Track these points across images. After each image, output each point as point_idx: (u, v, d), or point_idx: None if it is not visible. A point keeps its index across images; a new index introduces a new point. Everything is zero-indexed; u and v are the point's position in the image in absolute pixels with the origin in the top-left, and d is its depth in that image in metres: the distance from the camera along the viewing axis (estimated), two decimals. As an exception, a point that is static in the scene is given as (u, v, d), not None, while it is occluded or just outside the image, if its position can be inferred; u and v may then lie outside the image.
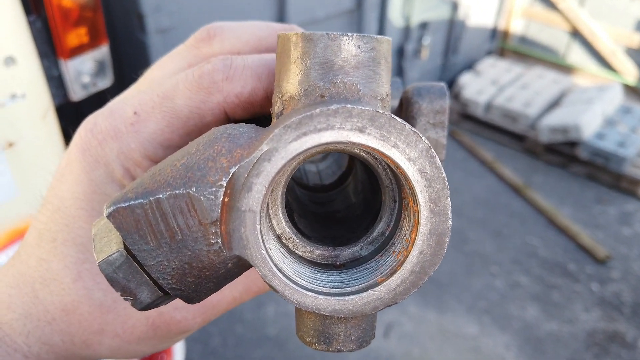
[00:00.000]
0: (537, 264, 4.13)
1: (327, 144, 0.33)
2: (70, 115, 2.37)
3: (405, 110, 0.47)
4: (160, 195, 0.34)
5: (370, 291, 0.36)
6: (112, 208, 0.35)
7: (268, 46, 0.51)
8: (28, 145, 1.51)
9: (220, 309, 0.52)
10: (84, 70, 1.78)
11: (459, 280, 3.96)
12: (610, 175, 5.06)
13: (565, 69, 6.90)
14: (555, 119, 5.35)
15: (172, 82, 0.45)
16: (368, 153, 0.38)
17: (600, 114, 5.35)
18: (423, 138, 0.33)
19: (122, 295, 0.37)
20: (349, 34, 0.36)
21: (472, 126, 6.04)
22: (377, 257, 0.39)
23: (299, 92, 0.36)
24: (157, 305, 0.38)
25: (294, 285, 0.36)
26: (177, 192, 0.34)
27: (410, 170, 0.33)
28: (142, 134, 0.44)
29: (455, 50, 6.54)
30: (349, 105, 0.32)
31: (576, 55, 6.87)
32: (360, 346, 0.40)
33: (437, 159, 0.34)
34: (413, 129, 0.33)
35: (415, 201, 0.34)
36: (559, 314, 3.70)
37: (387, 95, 0.39)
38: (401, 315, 3.62)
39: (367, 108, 0.32)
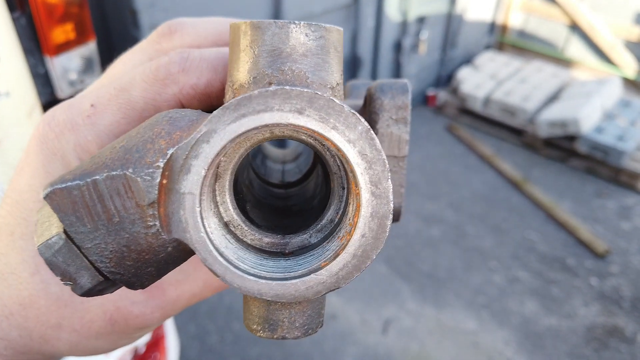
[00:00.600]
0: (536, 258, 4.12)
1: (266, 125, 0.33)
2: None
3: (368, 106, 0.48)
4: (97, 177, 0.34)
5: (312, 275, 0.36)
6: (49, 189, 0.35)
7: (228, 40, 0.52)
8: (14, 143, 1.50)
9: (179, 304, 0.52)
10: (70, 67, 1.76)
11: (457, 275, 3.95)
12: (609, 169, 5.04)
13: (564, 62, 6.88)
14: (554, 113, 5.33)
15: (130, 75, 0.46)
16: (315, 140, 0.38)
17: (600, 107, 5.33)
18: (362, 120, 0.33)
19: (62, 280, 0.36)
20: (297, 21, 0.37)
21: (471, 121, 6.02)
22: (324, 243, 0.39)
23: (248, 80, 0.37)
24: (100, 292, 0.38)
25: (235, 269, 0.36)
26: (114, 173, 0.34)
27: (350, 153, 0.34)
28: (98, 125, 0.45)
29: (454, 44, 6.51)
30: (287, 87, 0.33)
31: (575, 48, 6.84)
32: (305, 333, 0.40)
33: (377, 140, 0.34)
34: (352, 110, 0.33)
35: (357, 184, 0.35)
36: (558, 308, 3.69)
37: (337, 84, 0.39)
38: (399, 311, 3.61)
39: (305, 90, 0.33)
